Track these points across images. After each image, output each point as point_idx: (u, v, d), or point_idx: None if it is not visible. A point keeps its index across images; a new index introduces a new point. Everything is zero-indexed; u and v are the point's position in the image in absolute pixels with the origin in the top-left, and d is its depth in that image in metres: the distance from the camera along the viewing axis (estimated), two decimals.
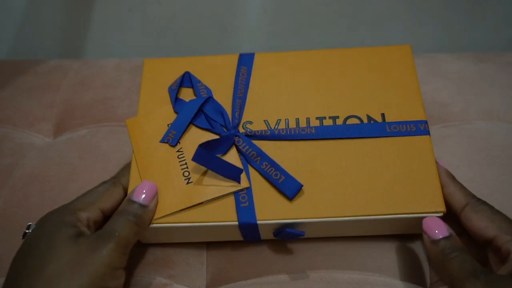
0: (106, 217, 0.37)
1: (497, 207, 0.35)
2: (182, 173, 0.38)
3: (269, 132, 0.39)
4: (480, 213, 0.35)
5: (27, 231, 0.36)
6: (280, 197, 0.37)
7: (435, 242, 0.34)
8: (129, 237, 0.34)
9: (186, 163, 0.39)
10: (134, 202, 0.36)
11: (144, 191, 0.36)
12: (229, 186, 0.37)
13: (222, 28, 0.69)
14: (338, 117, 0.40)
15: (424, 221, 0.35)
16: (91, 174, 0.46)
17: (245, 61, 0.44)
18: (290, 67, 0.43)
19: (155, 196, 0.37)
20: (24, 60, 0.60)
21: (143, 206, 0.36)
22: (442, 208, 0.36)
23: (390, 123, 0.39)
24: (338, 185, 0.37)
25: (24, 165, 0.48)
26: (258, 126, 0.40)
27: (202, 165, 0.37)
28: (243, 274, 0.39)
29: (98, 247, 0.33)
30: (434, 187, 0.37)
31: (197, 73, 0.43)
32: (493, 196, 0.38)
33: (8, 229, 0.43)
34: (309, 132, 0.39)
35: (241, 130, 0.40)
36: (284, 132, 0.39)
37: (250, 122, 0.40)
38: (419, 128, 0.39)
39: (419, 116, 0.39)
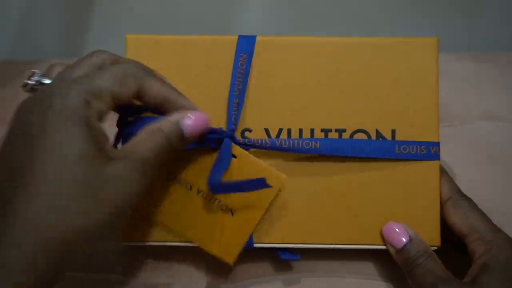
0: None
1: (497, 207, 0.36)
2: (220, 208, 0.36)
3: (270, 143, 0.36)
4: (458, 209, 0.35)
5: (30, 82, 0.31)
6: (278, 219, 0.36)
7: (399, 251, 0.34)
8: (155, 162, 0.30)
9: (216, 198, 0.36)
10: (180, 129, 0.31)
11: (196, 122, 0.31)
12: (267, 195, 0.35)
13: (222, 28, 0.69)
14: (345, 130, 0.37)
15: (384, 233, 0.35)
16: None
17: (245, 47, 0.37)
18: (296, 59, 0.37)
19: (202, 133, 0.32)
20: (24, 60, 0.60)
21: (182, 139, 0.31)
22: (438, 243, 0.36)
23: (400, 143, 0.36)
24: (336, 210, 0.36)
25: None
26: (257, 135, 0.37)
27: (224, 192, 0.35)
28: (243, 274, 0.39)
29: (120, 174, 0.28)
30: (433, 220, 0.36)
31: (189, 56, 0.37)
32: (493, 196, 0.39)
33: None
34: (313, 146, 0.36)
35: (239, 138, 0.37)
36: (287, 144, 0.36)
37: (250, 130, 0.37)
38: (430, 152, 0.36)
39: (432, 137, 0.36)
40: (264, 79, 0.37)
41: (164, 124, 0.30)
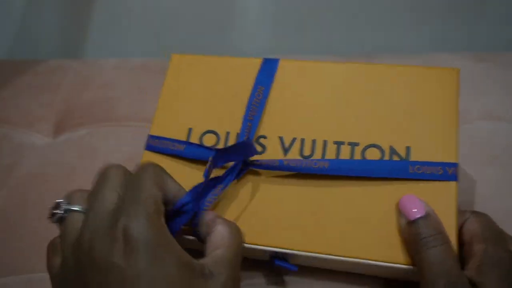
0: None
1: (498, 207, 0.35)
2: None
3: (277, 163, 0.35)
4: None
5: (59, 212, 0.29)
6: (273, 223, 0.35)
7: (410, 224, 0.31)
8: None
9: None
10: None
11: None
12: None
13: (222, 28, 0.69)
14: (358, 144, 0.36)
15: (401, 202, 0.33)
16: (90, 174, 0.46)
17: (265, 77, 0.39)
18: (315, 79, 0.39)
19: None
20: (24, 60, 0.60)
21: None
22: None
23: (414, 163, 0.34)
24: (341, 223, 0.34)
25: (24, 165, 0.48)
26: (272, 142, 0.37)
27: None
28: (243, 275, 0.39)
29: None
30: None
31: (215, 76, 0.40)
32: (494, 196, 0.38)
33: (8, 230, 0.43)
34: (321, 166, 0.35)
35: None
36: (294, 164, 0.35)
37: (265, 137, 0.38)
38: (446, 172, 0.34)
39: (450, 158, 0.34)
40: (282, 95, 0.39)
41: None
